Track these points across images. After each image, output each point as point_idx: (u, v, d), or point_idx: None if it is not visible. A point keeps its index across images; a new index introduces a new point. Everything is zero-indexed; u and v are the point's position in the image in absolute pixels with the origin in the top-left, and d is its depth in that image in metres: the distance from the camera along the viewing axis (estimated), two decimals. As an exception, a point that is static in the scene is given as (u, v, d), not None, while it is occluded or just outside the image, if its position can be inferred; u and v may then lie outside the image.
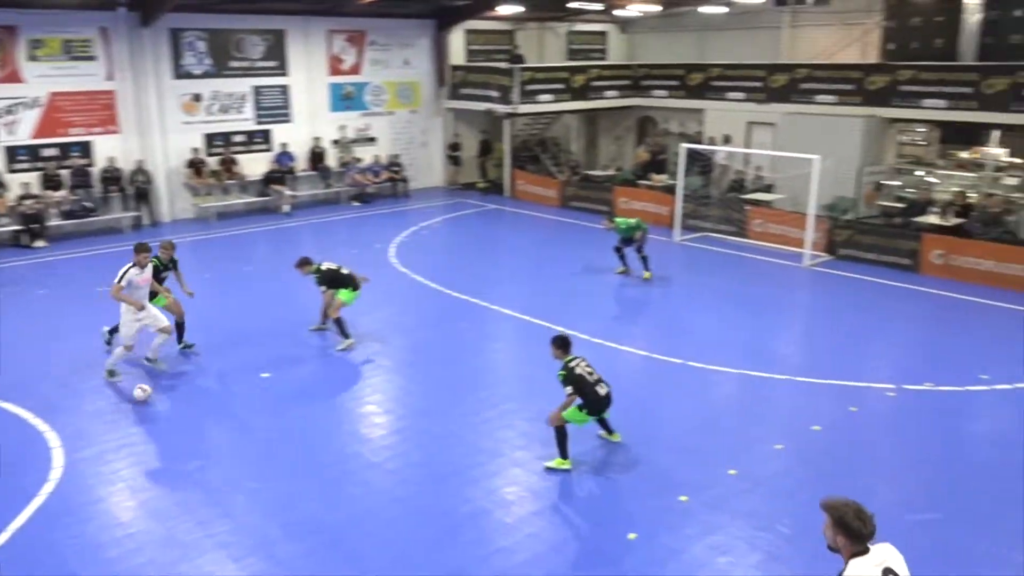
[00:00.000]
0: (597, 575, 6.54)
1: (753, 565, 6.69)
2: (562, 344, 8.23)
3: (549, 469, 8.08)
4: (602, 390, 8.13)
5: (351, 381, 10.65)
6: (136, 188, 19.06)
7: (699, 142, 21.44)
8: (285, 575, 6.52)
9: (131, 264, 10.08)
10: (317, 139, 22.32)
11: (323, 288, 11.31)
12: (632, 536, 7.03)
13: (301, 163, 22.14)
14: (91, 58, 18.62)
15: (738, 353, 11.32)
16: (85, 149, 18.85)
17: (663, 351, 11.38)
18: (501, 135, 24.21)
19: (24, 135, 18.10)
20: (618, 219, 15.41)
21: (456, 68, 24.54)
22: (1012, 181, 18.03)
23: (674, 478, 7.95)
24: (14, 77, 17.79)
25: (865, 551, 4.02)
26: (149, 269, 10.41)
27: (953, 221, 16.53)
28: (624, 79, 24.84)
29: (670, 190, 19.51)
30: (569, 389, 7.91)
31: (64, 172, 18.57)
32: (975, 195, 17.33)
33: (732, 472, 8.06)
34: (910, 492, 7.87)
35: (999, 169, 18.55)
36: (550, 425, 8.07)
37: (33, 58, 17.94)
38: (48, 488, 7.75)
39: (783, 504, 7.54)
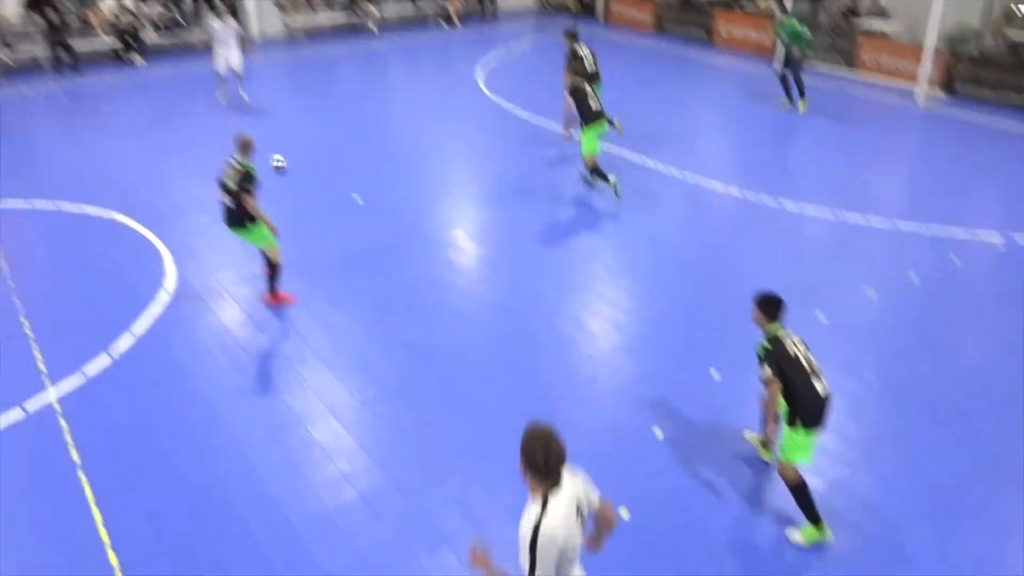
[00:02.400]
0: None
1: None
2: (773, 306, 5.34)
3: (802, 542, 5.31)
4: (820, 387, 5.13)
5: (445, 213, 10.80)
6: (228, 3, 18.92)
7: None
8: (380, 389, 6.94)
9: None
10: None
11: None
12: (715, 375, 7.16)
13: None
14: None
15: (836, 195, 10.90)
16: (175, -38, 18.65)
17: (754, 189, 11.05)
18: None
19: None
20: (791, 19, 14.27)
21: None
22: None
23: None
24: None
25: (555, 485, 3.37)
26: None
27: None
28: None
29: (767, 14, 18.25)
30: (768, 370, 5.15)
31: (156, -14, 18.51)
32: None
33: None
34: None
35: None
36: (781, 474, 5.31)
37: None
38: (164, 298, 8.30)
39: (872, 350, 7.51)
